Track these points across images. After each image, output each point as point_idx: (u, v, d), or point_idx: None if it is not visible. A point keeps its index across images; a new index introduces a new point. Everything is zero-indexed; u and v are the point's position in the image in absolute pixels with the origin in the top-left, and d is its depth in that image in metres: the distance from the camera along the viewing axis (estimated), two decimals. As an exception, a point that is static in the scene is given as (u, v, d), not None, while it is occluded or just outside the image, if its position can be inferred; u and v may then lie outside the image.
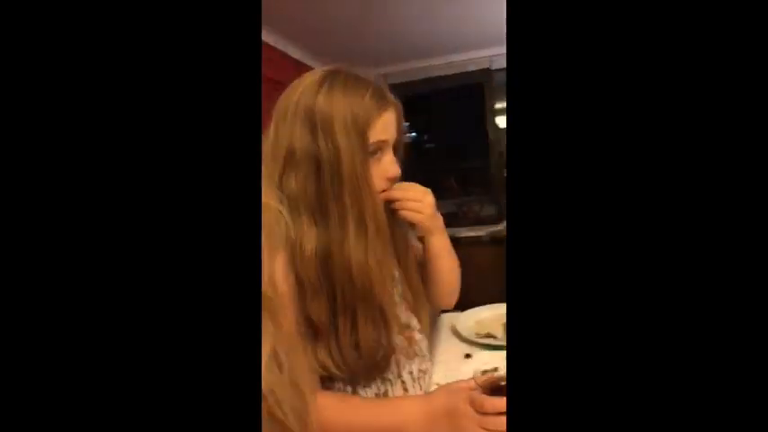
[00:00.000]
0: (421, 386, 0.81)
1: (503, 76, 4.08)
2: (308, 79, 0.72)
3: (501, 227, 2.63)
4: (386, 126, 0.72)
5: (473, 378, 0.65)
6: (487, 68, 3.99)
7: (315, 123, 0.68)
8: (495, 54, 3.92)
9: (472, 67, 4.02)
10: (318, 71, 0.74)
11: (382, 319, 0.72)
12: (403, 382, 0.78)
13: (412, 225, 0.83)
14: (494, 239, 2.19)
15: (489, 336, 0.93)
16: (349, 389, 0.75)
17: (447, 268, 0.88)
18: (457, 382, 0.68)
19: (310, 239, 0.68)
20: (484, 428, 0.60)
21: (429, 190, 0.82)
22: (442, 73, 4.03)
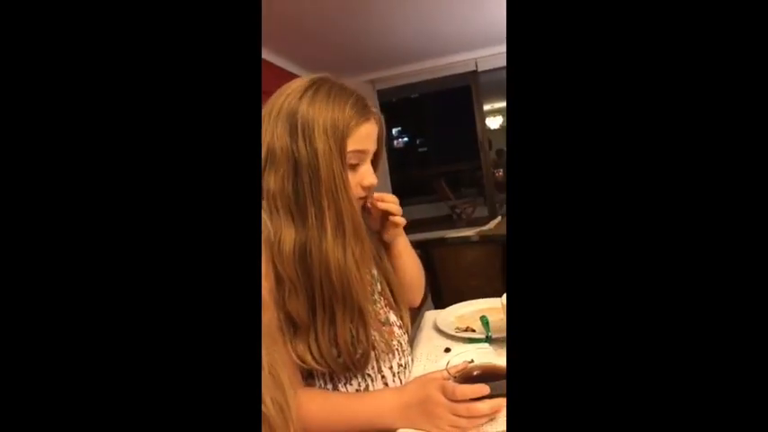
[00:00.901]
0: (401, 381, 0.82)
1: (489, 78, 4.12)
2: (295, 84, 0.75)
3: (490, 226, 2.66)
4: (365, 136, 0.75)
5: (446, 368, 0.67)
6: (474, 71, 4.03)
7: (296, 126, 0.71)
8: (481, 56, 3.96)
9: (459, 70, 4.06)
10: (306, 78, 0.76)
11: (360, 317, 0.74)
12: (383, 377, 0.80)
13: (382, 229, 0.88)
14: (482, 239, 2.21)
15: (469, 329, 0.95)
16: (330, 386, 0.77)
17: (410, 266, 0.92)
18: (430, 372, 0.70)
19: (289, 237, 0.71)
20: (455, 414, 0.62)
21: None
22: (429, 77, 4.06)
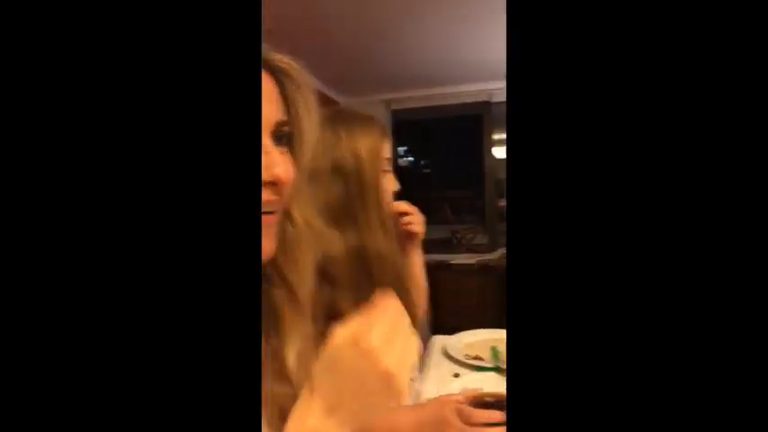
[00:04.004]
0: (413, 402, 0.87)
1: (501, 109, 4.21)
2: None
3: (491, 256, 2.71)
4: (389, 147, 0.91)
5: (461, 393, 0.72)
6: (487, 101, 4.12)
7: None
8: (495, 88, 4.05)
9: (472, 99, 4.15)
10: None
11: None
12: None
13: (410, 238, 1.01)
14: (483, 268, 2.26)
15: (478, 358, 1.00)
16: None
17: (421, 276, 1.05)
18: (445, 395, 0.75)
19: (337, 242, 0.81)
20: None
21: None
22: (443, 102, 4.14)
